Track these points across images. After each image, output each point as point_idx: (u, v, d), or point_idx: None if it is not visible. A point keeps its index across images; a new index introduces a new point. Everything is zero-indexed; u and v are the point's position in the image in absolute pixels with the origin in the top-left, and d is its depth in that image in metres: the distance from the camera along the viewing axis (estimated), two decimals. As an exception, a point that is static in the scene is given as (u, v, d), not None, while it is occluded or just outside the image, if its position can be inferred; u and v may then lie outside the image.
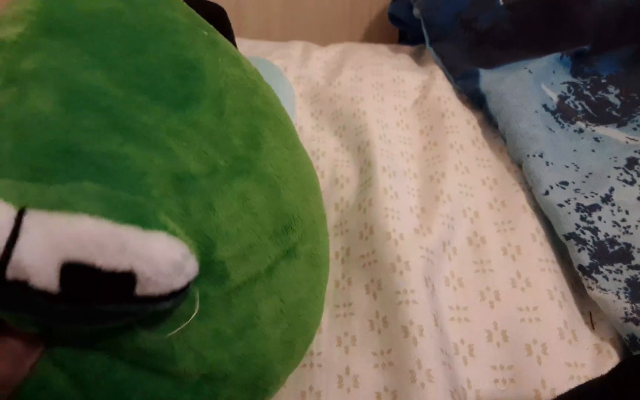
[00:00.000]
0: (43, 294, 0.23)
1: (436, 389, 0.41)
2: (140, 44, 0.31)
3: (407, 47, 0.94)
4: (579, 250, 0.50)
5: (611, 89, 0.74)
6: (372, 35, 1.10)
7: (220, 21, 0.59)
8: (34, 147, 0.26)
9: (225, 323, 0.31)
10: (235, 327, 0.31)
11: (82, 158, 0.27)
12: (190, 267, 0.27)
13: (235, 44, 0.60)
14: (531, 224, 0.54)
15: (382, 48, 0.92)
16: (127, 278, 0.24)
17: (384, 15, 1.02)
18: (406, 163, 0.63)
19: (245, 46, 0.90)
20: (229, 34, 0.59)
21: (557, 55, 0.76)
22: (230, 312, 0.31)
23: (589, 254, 0.50)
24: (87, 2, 0.32)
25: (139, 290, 0.24)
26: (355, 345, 0.46)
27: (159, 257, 0.25)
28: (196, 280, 0.29)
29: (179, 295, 0.26)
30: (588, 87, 0.74)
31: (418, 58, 0.89)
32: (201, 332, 0.30)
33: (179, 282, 0.26)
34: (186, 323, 0.29)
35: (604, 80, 0.75)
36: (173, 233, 0.26)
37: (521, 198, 0.57)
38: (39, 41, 0.29)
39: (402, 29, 1.01)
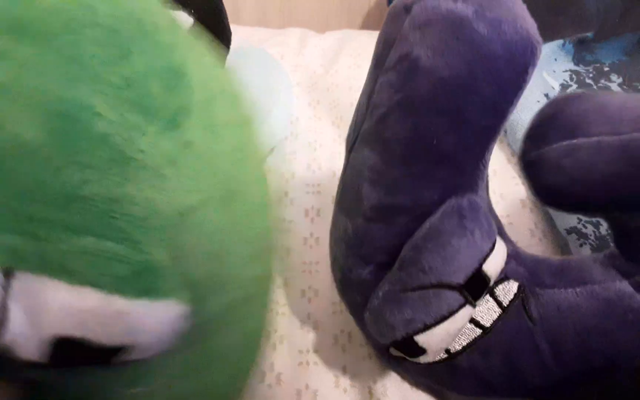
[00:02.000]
0: (30, 363, 0.21)
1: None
2: (122, 48, 0.25)
3: (406, 34, 0.92)
4: (581, 245, 0.49)
5: (614, 77, 0.72)
6: (371, 23, 1.08)
7: (215, 8, 0.57)
8: (21, 189, 0.21)
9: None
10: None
11: (82, 205, 0.22)
12: (183, 323, 0.24)
13: (230, 32, 0.59)
14: (530, 219, 0.53)
15: (381, 35, 0.90)
16: (123, 348, 0.22)
17: (383, 1, 1.00)
18: (404, 155, 0.61)
19: (241, 34, 0.88)
20: (222, 13, 0.58)
21: (559, 42, 0.74)
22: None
23: (590, 249, 0.49)
24: None
25: (129, 356, 0.22)
26: (351, 343, 0.45)
27: (164, 329, 0.23)
28: None
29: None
30: (590, 75, 0.73)
31: (417, 45, 0.87)
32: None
33: (169, 343, 0.24)
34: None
35: (606, 69, 0.74)
36: (180, 300, 0.24)
37: (520, 191, 0.56)
38: (5, 46, 0.23)
39: (402, 15, 0.99)
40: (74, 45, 0.23)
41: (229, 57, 0.59)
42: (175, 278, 0.24)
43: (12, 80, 0.22)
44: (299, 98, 0.72)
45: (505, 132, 0.63)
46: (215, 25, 0.56)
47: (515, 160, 0.60)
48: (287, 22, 1.05)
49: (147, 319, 0.22)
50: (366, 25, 1.09)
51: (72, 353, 0.21)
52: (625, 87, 0.71)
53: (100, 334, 0.21)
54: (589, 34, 0.77)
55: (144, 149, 0.23)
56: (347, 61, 0.75)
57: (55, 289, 0.20)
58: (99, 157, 0.22)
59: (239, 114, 0.31)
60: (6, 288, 0.20)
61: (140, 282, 0.22)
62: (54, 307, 0.20)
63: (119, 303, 0.21)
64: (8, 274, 0.20)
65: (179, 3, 0.49)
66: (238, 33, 0.85)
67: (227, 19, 0.58)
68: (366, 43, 0.82)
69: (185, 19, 0.51)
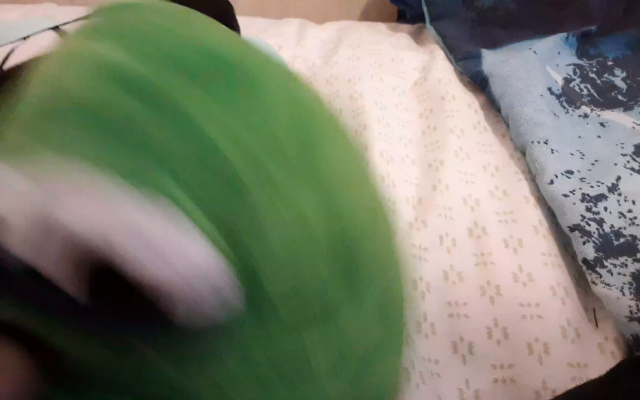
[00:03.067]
0: (68, 300, 0.21)
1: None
2: (189, 44, 0.29)
3: (406, 26, 0.90)
4: (584, 243, 0.48)
5: (617, 72, 0.71)
6: (370, 14, 1.07)
7: (226, 16, 0.56)
8: (62, 109, 0.25)
9: (268, 368, 0.27)
10: (281, 375, 0.27)
11: (111, 131, 0.24)
12: (234, 298, 0.23)
13: (238, 26, 0.58)
14: (534, 216, 0.52)
15: (381, 27, 0.89)
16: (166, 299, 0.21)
17: (383, -8, 0.99)
18: (404, 148, 0.60)
19: (240, 24, 0.86)
20: (232, 27, 0.57)
21: (563, 35, 0.73)
22: (275, 355, 0.27)
23: (593, 247, 0.48)
24: (132, 16, 0.30)
25: (177, 319, 0.21)
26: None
27: (202, 285, 0.22)
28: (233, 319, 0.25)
29: (212, 330, 0.23)
30: (594, 69, 0.71)
31: (418, 37, 0.85)
32: (239, 374, 0.26)
33: (214, 311, 0.22)
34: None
35: (610, 63, 0.72)
36: (217, 244, 0.23)
37: (524, 188, 0.54)
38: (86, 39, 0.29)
39: (401, 7, 0.97)
40: None
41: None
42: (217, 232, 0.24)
43: None
44: (297, 90, 0.70)
45: (508, 126, 0.62)
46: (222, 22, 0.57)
47: (518, 155, 0.59)
48: (284, 12, 1.03)
49: (175, 248, 0.21)
50: (365, 16, 1.07)
51: (116, 290, 0.21)
52: (629, 81, 0.69)
53: (144, 270, 0.21)
54: (593, 28, 0.75)
55: None
56: (346, 53, 0.73)
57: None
58: None
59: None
60: None
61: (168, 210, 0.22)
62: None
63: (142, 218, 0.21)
64: None
65: (186, 6, 0.49)
66: (235, 22, 0.84)
67: (237, 22, 0.57)
68: (365, 34, 0.80)
69: None
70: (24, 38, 0.50)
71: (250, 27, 0.85)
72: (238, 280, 0.24)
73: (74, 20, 0.52)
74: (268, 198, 0.26)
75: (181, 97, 0.25)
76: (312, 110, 0.31)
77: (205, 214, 0.24)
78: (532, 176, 0.56)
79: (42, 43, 0.48)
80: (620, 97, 0.67)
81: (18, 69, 0.45)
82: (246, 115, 0.27)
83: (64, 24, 0.51)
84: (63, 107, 0.25)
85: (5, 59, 0.47)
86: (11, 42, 0.51)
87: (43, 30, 0.51)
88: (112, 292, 0.21)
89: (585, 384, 0.37)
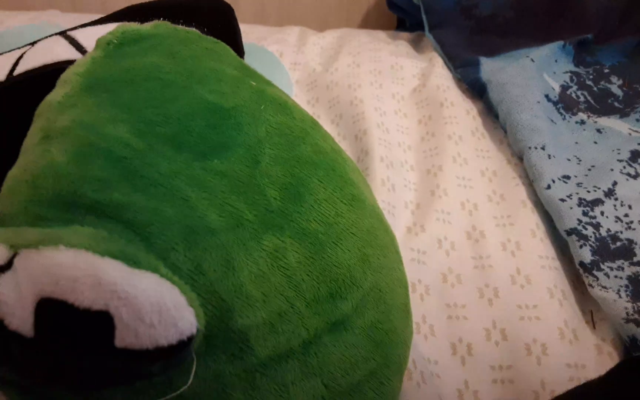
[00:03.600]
0: (18, 338, 0.21)
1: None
2: (173, 94, 0.30)
3: (405, 34, 0.91)
4: (581, 247, 0.49)
5: (614, 79, 0.72)
6: (369, 22, 1.08)
7: (225, 17, 0.57)
8: (43, 197, 0.27)
9: None
10: None
11: (84, 206, 0.26)
12: (186, 322, 0.23)
13: (240, 39, 0.58)
14: (531, 220, 0.52)
15: (380, 34, 0.90)
16: (105, 322, 0.21)
17: (382, 1, 1.00)
18: (403, 154, 0.61)
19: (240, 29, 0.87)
20: (235, 30, 0.57)
21: (560, 43, 0.74)
22: (253, 395, 0.26)
23: (590, 251, 0.49)
24: (130, 59, 0.32)
25: (123, 340, 0.21)
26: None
27: (141, 299, 0.21)
28: (208, 352, 0.25)
29: (169, 358, 0.23)
30: (591, 77, 0.72)
31: (417, 45, 0.87)
32: None
33: (165, 337, 0.22)
34: (171, 395, 0.25)
35: (606, 70, 0.73)
36: (166, 278, 0.23)
37: (521, 192, 0.55)
38: (78, 99, 0.30)
39: (401, 16, 0.99)
40: (128, 95, 0.30)
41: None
42: (162, 266, 0.24)
43: (71, 121, 0.29)
44: (298, 96, 0.71)
45: (505, 132, 0.63)
46: (228, 44, 0.57)
47: (515, 160, 0.60)
48: (285, 20, 1.04)
49: (121, 280, 0.21)
50: (365, 24, 1.09)
51: (56, 320, 0.21)
52: (625, 89, 0.70)
53: (72, 291, 0.21)
54: (589, 36, 0.76)
55: (164, 171, 0.28)
56: (346, 60, 0.74)
57: (37, 255, 0.22)
58: (110, 173, 0.27)
59: (297, 155, 0.32)
60: (11, 262, 0.21)
61: (115, 247, 0.22)
62: (35, 269, 0.21)
63: (87, 257, 0.21)
64: (15, 254, 0.22)
65: (191, 21, 0.49)
66: (237, 30, 0.85)
67: (240, 37, 0.58)
68: (365, 42, 0.81)
69: None
70: (32, 44, 0.51)
71: (251, 34, 0.86)
72: (204, 312, 0.24)
73: (80, 26, 0.53)
74: (236, 237, 0.27)
75: (167, 167, 0.28)
76: (308, 157, 0.32)
77: (161, 254, 0.25)
78: (529, 181, 0.57)
79: (49, 47, 0.49)
80: (616, 104, 0.68)
81: (28, 74, 0.46)
82: (228, 166, 0.29)
83: (71, 29, 0.52)
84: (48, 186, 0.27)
85: (15, 64, 0.47)
86: (19, 48, 0.52)
87: (50, 36, 0.51)
88: (56, 324, 0.22)
89: (584, 385, 0.37)
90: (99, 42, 0.34)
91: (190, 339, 0.23)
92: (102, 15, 0.56)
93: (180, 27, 0.38)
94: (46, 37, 0.52)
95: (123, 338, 0.21)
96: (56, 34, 0.51)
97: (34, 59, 0.48)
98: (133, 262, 0.22)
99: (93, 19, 0.56)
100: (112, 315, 0.21)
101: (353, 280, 0.30)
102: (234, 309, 0.26)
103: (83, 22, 0.55)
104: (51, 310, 0.21)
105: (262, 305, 0.26)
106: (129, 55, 0.33)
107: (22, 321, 0.21)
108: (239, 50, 0.57)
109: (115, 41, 0.33)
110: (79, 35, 0.51)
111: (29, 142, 0.30)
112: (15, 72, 0.47)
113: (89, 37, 0.51)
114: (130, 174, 0.27)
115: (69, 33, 0.51)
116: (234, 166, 0.29)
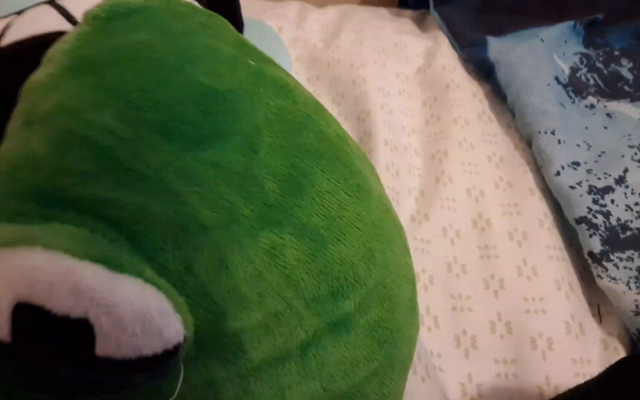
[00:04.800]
0: None
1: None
2: (163, 76, 0.27)
3: (408, 12, 0.88)
4: (590, 236, 0.47)
5: (624, 62, 0.70)
6: (371, -2, 1.05)
7: (228, 2, 0.54)
8: (21, 190, 0.24)
9: None
10: None
11: (65, 202, 0.24)
12: (172, 330, 0.21)
13: (240, 12, 0.56)
14: (539, 208, 0.51)
15: (383, 11, 0.87)
16: (84, 330, 0.19)
17: (386, -25, 0.96)
18: (407, 137, 0.59)
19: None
20: (234, 2, 0.55)
21: (570, 23, 0.71)
22: (248, 396, 0.25)
23: (600, 240, 0.47)
24: (118, 36, 0.29)
25: (104, 348, 0.20)
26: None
27: (122, 307, 0.20)
28: (199, 358, 0.24)
29: (154, 368, 0.21)
30: (601, 59, 0.70)
31: (421, 24, 0.84)
32: None
33: (149, 347, 0.20)
34: None
35: (617, 53, 0.71)
36: (152, 283, 0.21)
37: (529, 179, 0.53)
38: (62, 81, 0.27)
39: (404, -9, 0.96)
40: (115, 77, 0.27)
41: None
42: (148, 269, 0.22)
43: (53, 106, 0.26)
44: (298, 73, 0.69)
45: (514, 115, 0.60)
46: (226, 16, 0.55)
47: (523, 145, 0.58)
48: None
49: (101, 286, 0.20)
50: (365, 1, 1.05)
51: (34, 326, 0.20)
52: (635, 72, 0.68)
53: (49, 296, 0.19)
54: (599, 16, 0.74)
55: (151, 163, 0.25)
56: (349, 37, 0.71)
57: (13, 256, 0.20)
58: (94, 166, 0.24)
59: (299, 143, 0.30)
60: None
61: (96, 250, 0.21)
62: (11, 271, 0.20)
63: (65, 261, 0.20)
64: None
65: None
66: (235, 3, 0.82)
67: (239, 10, 0.55)
68: (367, 19, 0.78)
69: None
70: (18, 12, 0.48)
71: (250, 8, 0.82)
72: (195, 316, 0.23)
73: None
74: (231, 234, 0.25)
75: (157, 159, 0.25)
76: (310, 145, 0.30)
77: (148, 255, 0.23)
78: (537, 167, 0.55)
79: (37, 17, 0.47)
80: (626, 88, 0.66)
81: (15, 47, 0.43)
82: (223, 160, 0.26)
83: None
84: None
85: (1, 35, 0.45)
86: (5, 17, 0.49)
87: (37, 5, 0.49)
88: (34, 330, 0.20)
89: (584, 384, 0.36)
90: (85, 17, 0.31)
91: (177, 347, 0.21)
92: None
93: None
94: (34, 5, 0.49)
95: (104, 347, 0.20)
96: (45, 2, 0.49)
97: (21, 30, 0.46)
98: (115, 266, 0.20)
99: None
100: (92, 323, 0.19)
101: (356, 277, 0.28)
102: (227, 311, 0.24)
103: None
104: (28, 315, 0.19)
105: (258, 307, 0.25)
106: (117, 32, 0.30)
107: None
108: (238, 24, 0.55)
109: (103, 15, 0.30)
110: (70, 4, 0.48)
111: (11, 127, 0.28)
112: (2, 44, 0.45)
113: (79, 6, 0.48)
114: (114, 166, 0.24)
115: (58, 2, 0.49)
116: (229, 156, 0.26)
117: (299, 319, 0.26)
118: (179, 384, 0.23)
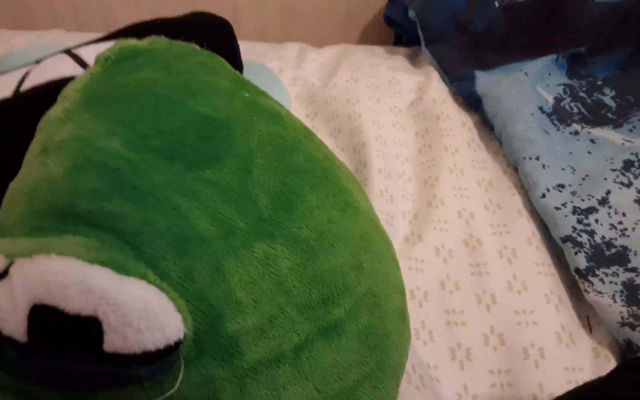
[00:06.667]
0: (12, 342, 0.22)
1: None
2: (166, 108, 0.31)
3: (402, 49, 0.93)
4: (576, 253, 0.50)
5: (607, 91, 0.73)
6: (368, 38, 1.10)
7: (224, 34, 0.58)
8: (39, 209, 0.27)
9: None
10: None
11: (77, 217, 0.27)
12: (173, 327, 0.23)
13: (239, 54, 0.60)
14: (527, 228, 0.53)
15: (378, 50, 0.92)
16: (94, 327, 0.22)
17: (380, 17, 1.02)
18: (401, 165, 0.62)
19: (241, 48, 0.89)
20: (233, 46, 0.59)
21: (553, 57, 0.76)
22: (243, 399, 0.27)
23: (585, 257, 0.50)
24: (127, 75, 0.33)
25: (112, 343, 0.22)
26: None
27: (129, 305, 0.22)
28: (198, 357, 0.26)
29: (157, 362, 0.23)
30: (584, 89, 0.74)
31: (414, 60, 0.88)
32: None
33: (153, 342, 0.23)
34: (160, 398, 0.25)
35: (599, 82, 0.75)
36: (155, 285, 0.24)
37: (517, 201, 0.56)
38: (76, 114, 0.31)
39: (398, 32, 1.01)
40: (123, 109, 0.31)
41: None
42: (151, 273, 0.25)
43: (68, 135, 0.30)
44: (297, 110, 0.73)
45: (501, 144, 0.64)
46: (226, 59, 0.57)
47: (510, 171, 0.61)
48: (285, 36, 1.06)
49: (110, 286, 0.22)
50: (364, 40, 1.11)
51: (49, 326, 0.22)
52: (618, 100, 0.72)
53: (63, 297, 0.22)
54: (582, 49, 0.78)
55: (156, 182, 0.28)
56: (344, 75, 0.76)
57: (31, 263, 0.22)
58: (104, 185, 0.27)
59: (289, 164, 0.33)
60: (7, 271, 0.22)
61: (105, 255, 0.23)
62: (28, 276, 0.22)
63: (77, 265, 0.22)
64: (11, 263, 0.23)
65: (191, 38, 0.50)
66: (238, 47, 0.87)
67: (239, 53, 0.59)
68: (363, 58, 0.83)
69: None
70: (37, 61, 0.53)
71: (252, 51, 0.88)
72: (194, 318, 0.25)
73: (84, 44, 0.55)
74: (227, 245, 0.27)
75: (159, 178, 0.28)
76: (300, 166, 0.32)
77: (151, 262, 0.26)
78: (524, 191, 0.58)
79: (55, 65, 0.51)
80: (610, 115, 0.69)
81: (34, 90, 0.47)
82: (221, 177, 0.29)
83: (75, 47, 0.54)
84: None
85: (22, 81, 0.49)
86: (25, 66, 0.53)
87: (55, 54, 0.53)
88: (48, 329, 0.22)
89: (584, 385, 0.38)
90: (97, 59, 0.35)
91: (178, 343, 0.24)
92: (106, 34, 0.58)
93: (176, 41, 0.39)
94: (52, 54, 0.53)
95: (112, 342, 0.22)
96: (61, 51, 0.53)
97: (40, 76, 0.50)
98: (122, 269, 0.23)
99: (97, 37, 0.58)
100: (101, 320, 0.22)
101: (346, 286, 0.30)
102: (224, 315, 0.26)
103: (87, 41, 0.57)
104: (43, 316, 0.22)
105: (253, 311, 0.27)
106: (125, 71, 0.34)
107: (15, 326, 0.22)
108: (238, 65, 0.59)
109: (113, 57, 0.34)
110: (83, 52, 0.53)
111: (29, 156, 0.31)
112: (22, 89, 0.49)
113: (93, 54, 0.52)
114: (122, 185, 0.27)
115: (73, 51, 0.53)
116: (226, 176, 0.29)
117: (292, 323, 0.28)
118: (179, 379, 0.25)
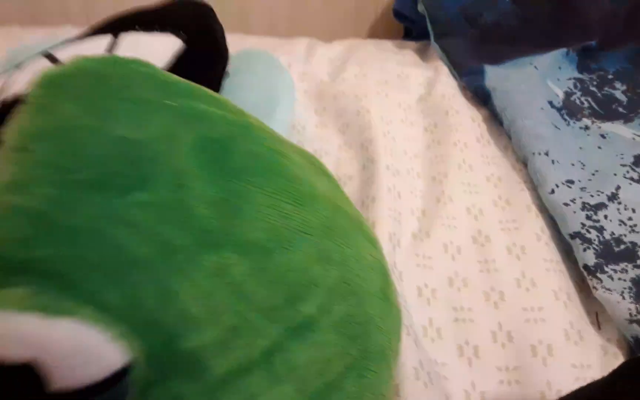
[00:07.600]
0: None
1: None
2: (89, 138, 0.30)
3: (411, 43, 0.93)
4: (584, 250, 0.50)
5: (618, 85, 0.73)
6: (377, 32, 1.10)
7: (204, 19, 0.57)
8: None
9: None
10: None
11: (11, 269, 0.26)
12: (111, 357, 0.24)
13: (222, 39, 0.57)
14: (536, 224, 0.53)
15: (387, 44, 0.91)
16: (33, 372, 0.22)
17: (389, 11, 1.01)
18: (410, 161, 0.62)
19: (250, 43, 0.89)
20: (213, 30, 0.55)
21: (563, 50, 0.75)
22: None
23: (594, 253, 0.50)
24: (49, 112, 0.31)
25: (53, 384, 0.22)
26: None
27: (60, 345, 0.23)
28: (162, 378, 0.26)
29: (105, 392, 0.24)
30: (594, 83, 0.73)
31: (423, 54, 0.88)
32: None
33: (90, 376, 0.23)
34: None
35: (610, 76, 0.74)
36: (90, 320, 0.24)
37: (526, 197, 0.56)
38: (8, 161, 0.29)
39: (407, 25, 1.00)
40: (48, 151, 0.29)
41: (232, 59, 0.59)
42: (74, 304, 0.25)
43: None
44: (306, 106, 0.73)
45: (510, 139, 0.64)
46: (208, 46, 0.54)
47: (520, 166, 0.61)
48: (295, 31, 1.06)
49: (41, 331, 0.23)
50: (373, 34, 1.10)
51: None
52: (629, 94, 0.71)
53: (4, 350, 0.22)
54: (592, 43, 0.78)
55: (84, 214, 0.27)
56: (353, 70, 0.76)
57: None
58: (29, 230, 0.27)
59: (228, 166, 0.31)
60: None
61: (32, 302, 0.24)
62: None
63: (7, 316, 0.23)
64: None
65: (166, 24, 0.48)
66: (246, 41, 0.87)
67: (223, 38, 0.57)
68: (372, 52, 0.83)
69: (172, 42, 0.50)
70: (17, 66, 0.51)
71: (261, 46, 0.87)
72: (145, 342, 0.25)
73: (64, 42, 0.53)
74: (171, 264, 0.27)
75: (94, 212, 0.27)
76: (239, 166, 0.31)
77: (89, 297, 0.26)
78: (534, 186, 0.58)
79: (34, 69, 0.49)
80: (620, 110, 0.69)
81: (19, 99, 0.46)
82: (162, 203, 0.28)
83: (55, 47, 0.51)
84: None
85: (1, 90, 0.47)
86: (5, 71, 0.51)
87: (35, 56, 0.51)
88: None
89: (588, 385, 0.38)
90: (27, 95, 0.33)
91: (125, 370, 0.24)
92: (88, 29, 0.56)
93: (105, 57, 0.37)
94: (32, 56, 0.51)
95: (54, 383, 0.23)
96: (42, 53, 0.51)
97: (19, 84, 0.47)
98: (53, 311, 0.23)
99: (78, 34, 0.55)
100: (38, 364, 0.22)
101: (312, 280, 0.29)
102: (180, 333, 0.26)
103: (69, 38, 0.55)
104: None
105: (211, 324, 0.27)
106: (48, 108, 0.32)
107: None
108: (220, 49, 0.56)
109: (41, 91, 0.32)
110: (61, 54, 0.51)
111: None
112: (7, 98, 0.46)
113: (71, 55, 0.50)
114: (51, 228, 0.27)
115: (51, 52, 0.51)
116: (159, 195, 0.28)
117: (257, 329, 0.27)
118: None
